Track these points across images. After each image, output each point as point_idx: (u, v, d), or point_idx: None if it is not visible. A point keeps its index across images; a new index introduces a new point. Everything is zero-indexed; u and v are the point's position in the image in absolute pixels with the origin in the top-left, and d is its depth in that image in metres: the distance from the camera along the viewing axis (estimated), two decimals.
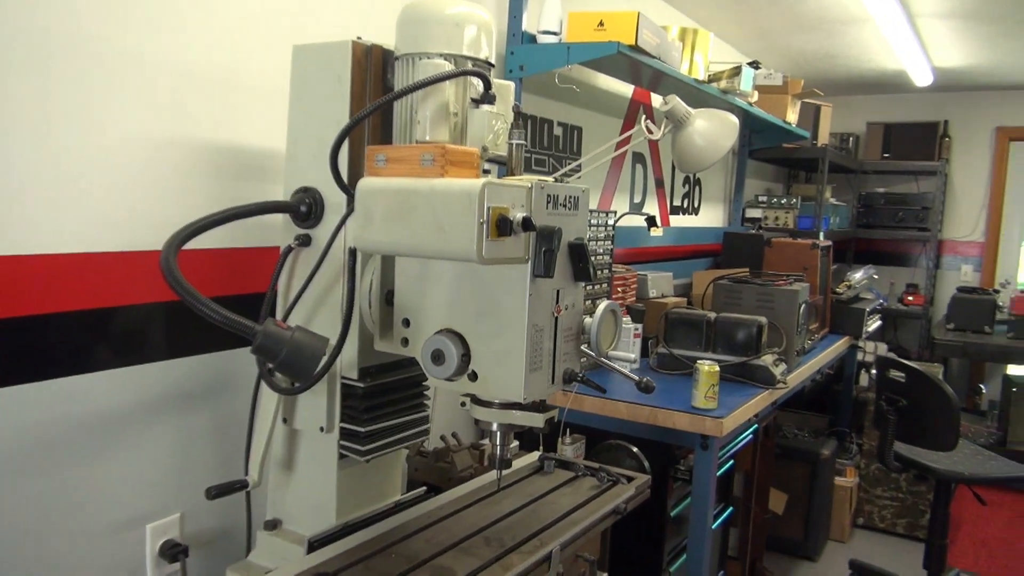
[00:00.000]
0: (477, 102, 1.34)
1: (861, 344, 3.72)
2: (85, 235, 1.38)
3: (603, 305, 1.36)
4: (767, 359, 2.44)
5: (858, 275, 3.85)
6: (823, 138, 4.42)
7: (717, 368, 2.07)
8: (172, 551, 1.49)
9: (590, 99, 2.89)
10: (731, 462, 2.67)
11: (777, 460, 3.44)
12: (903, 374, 2.73)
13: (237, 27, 1.61)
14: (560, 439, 2.12)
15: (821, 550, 3.49)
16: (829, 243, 3.52)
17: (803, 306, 2.74)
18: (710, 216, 4.23)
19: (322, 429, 1.42)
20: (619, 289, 2.62)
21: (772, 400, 2.42)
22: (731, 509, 2.69)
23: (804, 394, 4.40)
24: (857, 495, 3.77)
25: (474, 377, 1.27)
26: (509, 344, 1.22)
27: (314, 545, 1.37)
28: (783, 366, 2.53)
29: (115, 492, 1.46)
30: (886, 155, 5.16)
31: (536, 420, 1.29)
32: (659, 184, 3.56)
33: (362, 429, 1.39)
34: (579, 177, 2.25)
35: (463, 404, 1.33)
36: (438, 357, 1.26)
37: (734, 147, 4.38)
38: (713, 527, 2.52)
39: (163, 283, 1.09)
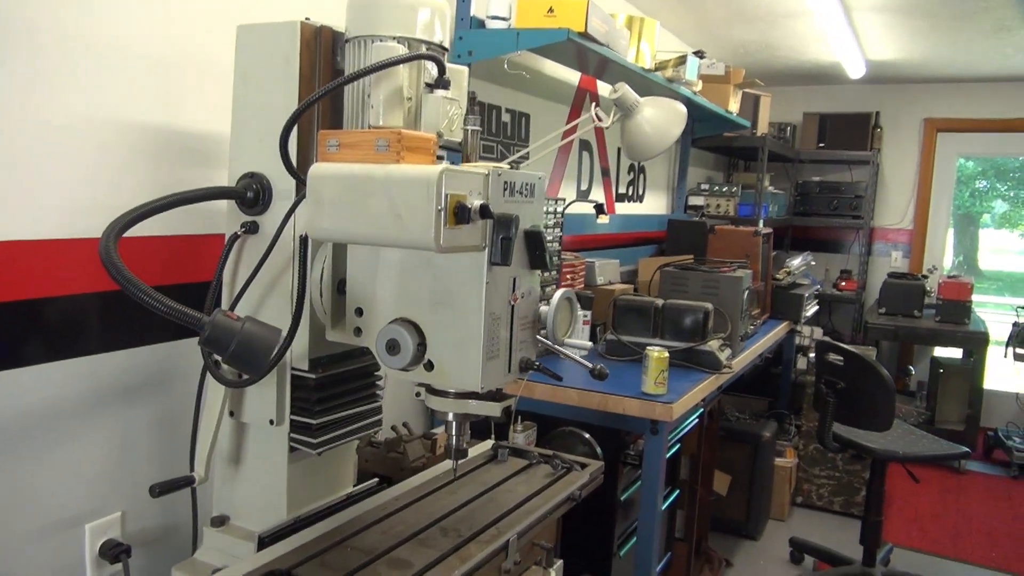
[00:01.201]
0: (431, 87, 1.31)
1: (799, 329, 3.82)
2: (15, 222, 1.30)
3: (559, 293, 1.36)
4: (713, 344, 2.49)
5: (796, 261, 3.96)
6: (762, 127, 4.51)
7: (667, 354, 2.10)
8: (113, 551, 1.43)
9: (538, 86, 2.88)
10: (678, 446, 2.72)
11: (721, 442, 3.53)
12: (841, 357, 2.82)
13: (179, 4, 1.54)
14: (512, 427, 2.12)
15: (762, 529, 3.59)
16: (769, 230, 3.60)
17: (746, 292, 2.80)
18: (654, 204, 4.28)
19: (272, 422, 1.38)
20: (568, 276, 2.63)
21: (718, 384, 2.47)
22: (678, 492, 2.74)
23: (745, 378, 4.51)
24: (796, 475, 3.89)
25: (430, 367, 1.25)
26: (466, 333, 1.21)
27: (265, 541, 1.34)
28: (728, 351, 2.58)
29: (51, 491, 1.39)
30: (821, 144, 5.31)
31: (492, 409, 1.28)
32: (605, 172, 3.58)
33: (314, 421, 1.36)
34: (527, 164, 2.24)
35: (418, 394, 1.31)
36: (393, 347, 1.23)
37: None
38: (661, 508, 2.57)
39: (100, 272, 1.04)
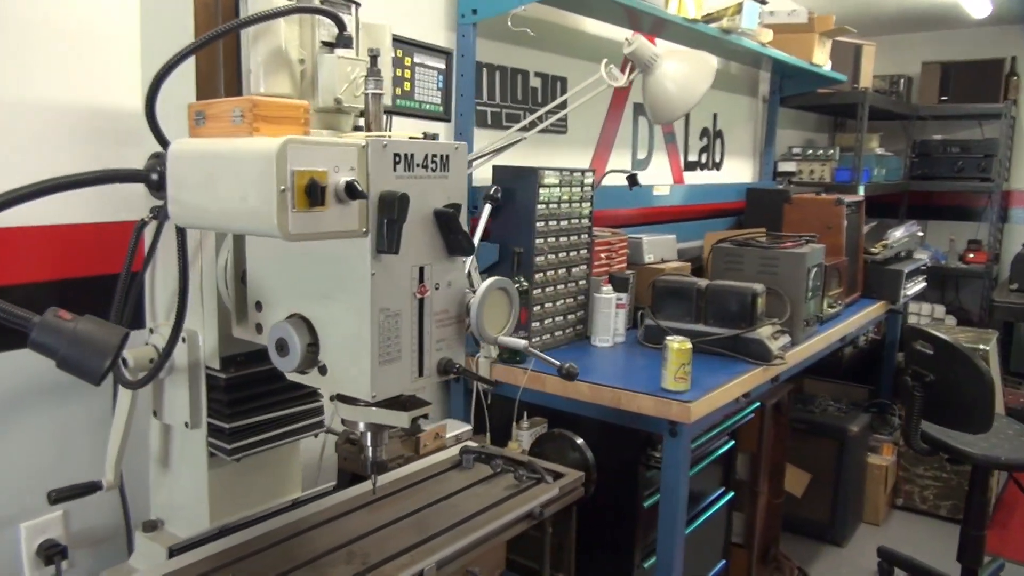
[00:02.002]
0: (331, 46, 1.14)
1: (898, 308, 3.35)
2: None
3: (487, 283, 1.16)
4: (764, 331, 2.18)
5: (899, 232, 3.48)
6: (865, 81, 4.00)
7: (688, 345, 1.83)
8: (48, 552, 1.38)
9: (575, 46, 2.62)
10: (730, 443, 2.43)
11: (801, 436, 3.17)
12: (931, 346, 2.42)
13: None
14: (515, 424, 1.93)
15: (850, 535, 3.21)
16: (860, 198, 3.17)
17: (814, 270, 2.44)
18: (736, 171, 3.90)
19: (187, 425, 1.27)
20: (602, 256, 2.39)
21: (769, 377, 2.16)
22: (731, 494, 2.45)
23: (843, 363, 4.07)
24: (896, 474, 3.46)
25: (324, 371, 1.09)
26: (354, 332, 1.03)
27: (174, 552, 1.23)
28: (785, 339, 2.26)
29: None
30: (944, 98, 4.67)
31: (400, 419, 1.11)
32: (670, 138, 3.27)
33: (226, 425, 1.24)
34: (536, 132, 1.99)
35: (332, 399, 1.16)
36: (282, 347, 1.08)
37: (765, 95, 4.02)
38: (705, 516, 2.31)
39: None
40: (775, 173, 4.11)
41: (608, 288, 2.29)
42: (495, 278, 1.17)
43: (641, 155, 3.09)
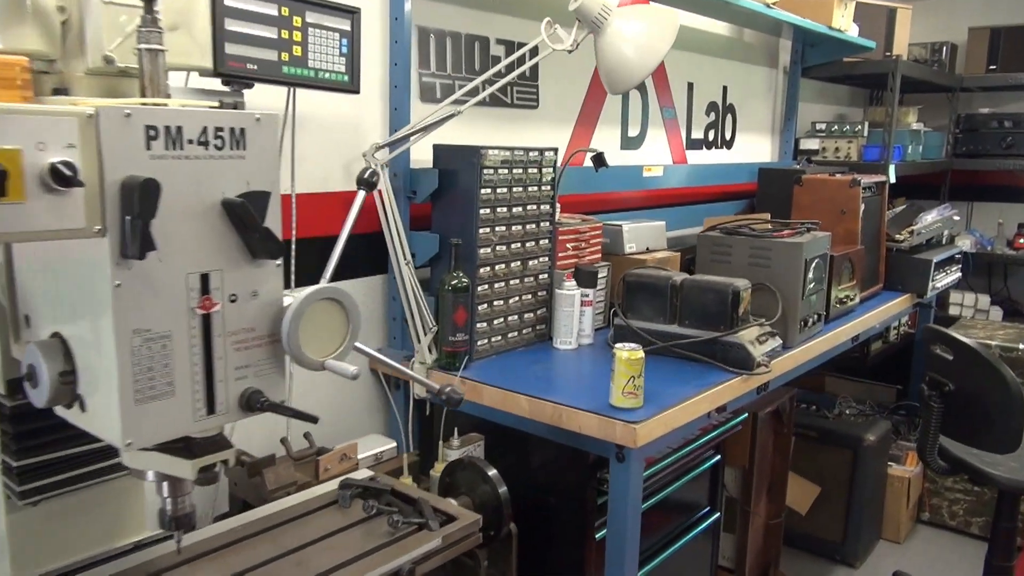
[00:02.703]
0: None
1: (927, 300, 2.99)
2: None
3: (307, 292, 0.91)
4: (747, 334, 1.88)
5: (930, 216, 3.11)
6: (899, 48, 3.60)
7: (640, 354, 1.56)
8: None
9: (545, 7, 2.33)
10: (715, 457, 2.15)
11: (812, 445, 2.86)
12: (950, 350, 2.08)
13: None
14: (443, 443, 1.68)
15: (866, 554, 2.89)
16: (883, 178, 2.82)
17: (815, 262, 2.13)
18: (751, 150, 3.55)
19: None
20: (568, 246, 2.11)
21: (751, 387, 1.86)
22: (716, 515, 2.17)
23: (869, 359, 3.72)
24: (921, 486, 3.12)
25: (84, 406, 0.85)
26: (103, 361, 0.80)
27: None
28: (774, 342, 1.96)
29: None
30: (993, 67, 4.21)
31: (182, 469, 0.87)
32: (668, 113, 2.95)
33: (14, 463, 1.02)
34: (457, 115, 1.70)
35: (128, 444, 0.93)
36: (31, 375, 0.85)
37: (786, 65, 3.65)
38: (683, 542, 2.03)
39: None
40: (796, 151, 3.75)
41: (571, 283, 2.01)
42: (321, 286, 0.91)
43: (633, 132, 2.79)
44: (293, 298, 0.90)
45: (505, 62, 1.73)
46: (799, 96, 3.68)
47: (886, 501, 2.99)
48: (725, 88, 3.28)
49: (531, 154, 1.94)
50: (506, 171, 1.87)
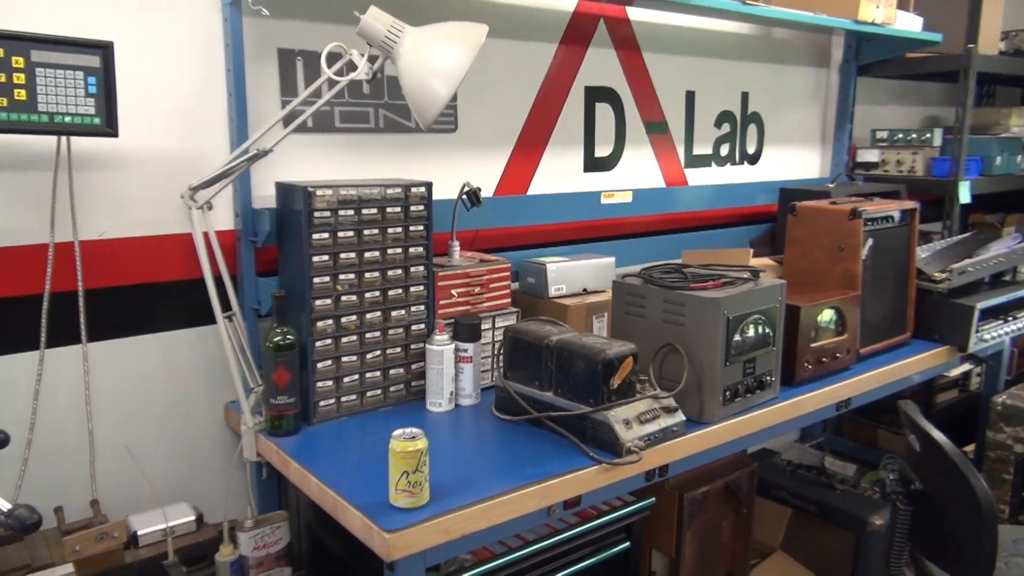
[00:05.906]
0: None
1: (976, 352, 2.41)
2: None
3: None
4: (622, 412, 1.55)
5: (992, 250, 2.51)
6: (987, 39, 2.97)
7: (420, 445, 1.30)
8: None
9: (496, 19, 2.07)
10: (625, 543, 1.82)
11: (815, 520, 2.40)
12: (919, 440, 1.63)
13: None
14: (236, 523, 1.50)
15: None
16: (913, 205, 2.30)
17: (752, 318, 1.73)
18: (787, 164, 3.06)
19: None
20: (452, 293, 1.86)
21: (616, 478, 1.53)
22: None
23: (932, 411, 3.12)
24: None
25: None
26: None
27: None
28: (670, 420, 1.60)
29: None
30: None
31: None
32: (657, 128, 2.58)
33: None
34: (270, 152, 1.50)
35: None
36: None
37: (839, 62, 3.12)
38: None
39: None
40: (852, 165, 3.21)
41: (442, 336, 1.76)
42: None
43: (603, 151, 2.46)
44: None
45: (312, 87, 1.51)
46: (857, 98, 3.13)
47: None
48: (745, 95, 2.83)
49: (389, 191, 1.71)
50: (350, 212, 1.66)
